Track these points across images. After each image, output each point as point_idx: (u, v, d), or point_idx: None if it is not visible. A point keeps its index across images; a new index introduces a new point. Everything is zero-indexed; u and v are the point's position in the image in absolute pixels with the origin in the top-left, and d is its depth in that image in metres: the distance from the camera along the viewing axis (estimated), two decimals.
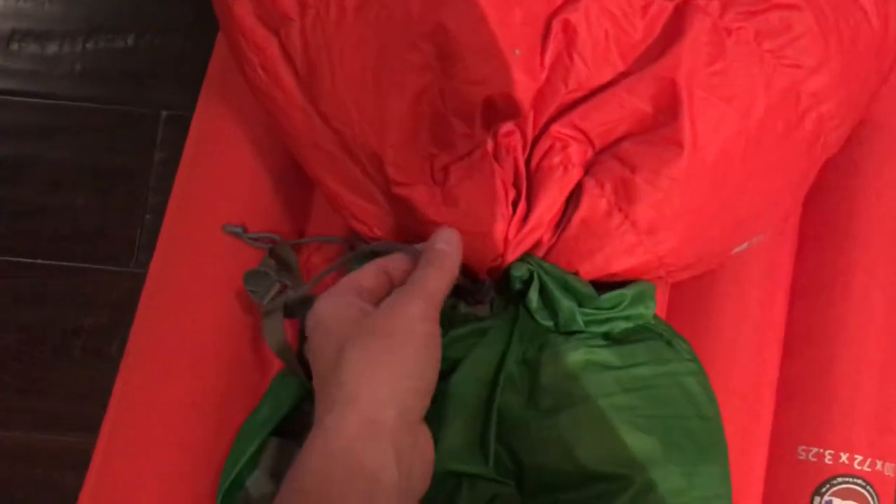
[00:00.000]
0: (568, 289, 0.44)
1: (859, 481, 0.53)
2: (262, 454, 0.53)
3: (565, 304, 0.44)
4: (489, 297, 0.46)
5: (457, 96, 0.44)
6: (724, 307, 0.55)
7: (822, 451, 0.55)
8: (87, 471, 0.52)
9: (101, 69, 0.72)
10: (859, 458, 0.54)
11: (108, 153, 0.71)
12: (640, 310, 0.45)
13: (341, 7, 0.46)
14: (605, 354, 0.44)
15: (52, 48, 0.72)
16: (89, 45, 0.72)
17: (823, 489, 0.54)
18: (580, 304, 0.44)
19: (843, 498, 0.53)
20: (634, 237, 0.44)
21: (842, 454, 0.55)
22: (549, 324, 0.45)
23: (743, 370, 0.55)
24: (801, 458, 0.55)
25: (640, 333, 0.46)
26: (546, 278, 0.44)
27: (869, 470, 0.54)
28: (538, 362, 0.44)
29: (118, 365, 0.58)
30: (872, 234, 0.57)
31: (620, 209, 0.43)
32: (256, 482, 0.52)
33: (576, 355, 0.44)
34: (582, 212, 0.44)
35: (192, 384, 0.56)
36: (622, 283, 0.45)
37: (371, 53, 0.45)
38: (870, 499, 0.53)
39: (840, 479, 0.53)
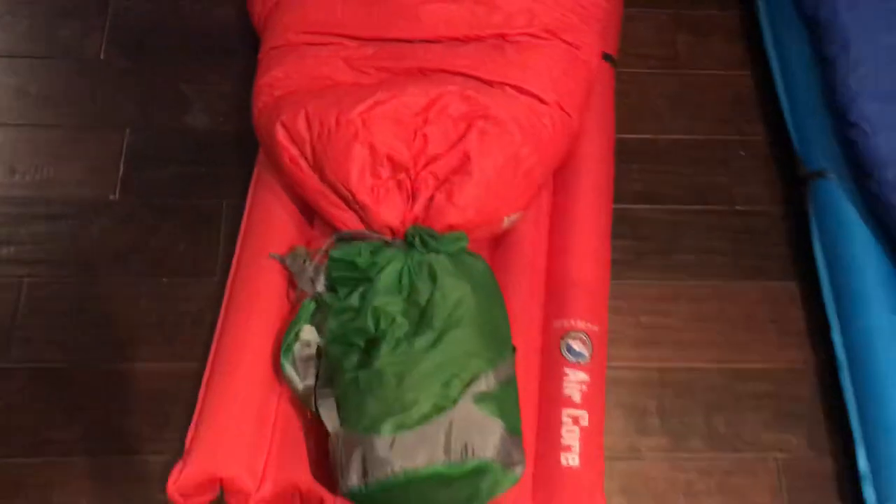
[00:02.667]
0: (431, 236, 1.08)
1: (581, 334, 1.16)
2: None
3: (431, 243, 1.08)
4: (398, 244, 1.10)
5: (380, 162, 1.10)
6: (516, 252, 1.21)
7: (563, 321, 1.19)
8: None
9: (190, 186, 1.37)
10: (581, 322, 1.17)
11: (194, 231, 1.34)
12: (461, 244, 1.10)
13: (329, 130, 1.12)
14: (449, 262, 1.08)
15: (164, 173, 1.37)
16: (183, 171, 1.37)
17: (566, 337, 1.16)
18: (437, 241, 1.09)
19: (574, 340, 1.15)
20: (457, 212, 1.09)
21: (573, 321, 1.18)
22: (424, 251, 1.09)
23: (528, 284, 1.19)
24: (556, 326, 1.18)
25: (465, 255, 1.11)
26: (422, 234, 1.09)
27: (584, 326, 1.17)
28: (433, 269, 1.06)
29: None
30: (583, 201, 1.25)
31: (449, 200, 1.09)
32: (299, 346, 1.12)
33: (439, 262, 1.08)
34: (435, 203, 1.10)
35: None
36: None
37: (344, 150, 1.11)
38: (586, 340, 1.15)
39: (573, 333, 1.16)
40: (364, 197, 1.10)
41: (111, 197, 1.36)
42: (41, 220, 1.34)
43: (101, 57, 1.46)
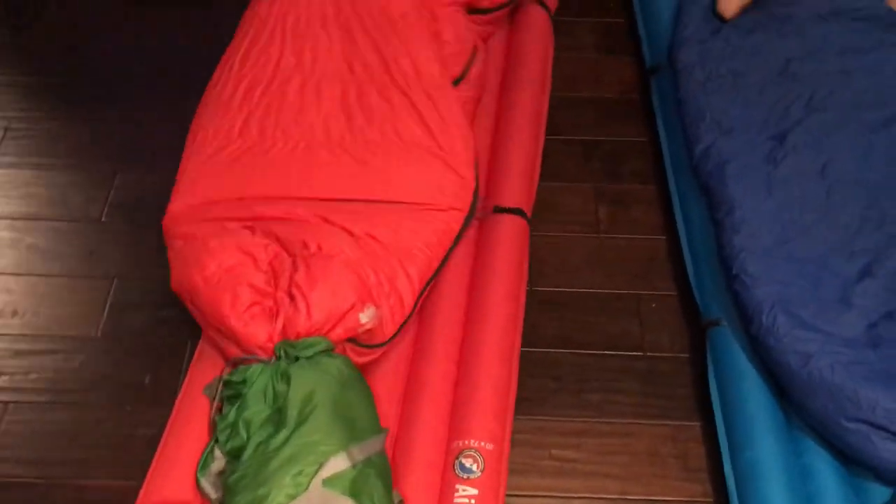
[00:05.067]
0: (291, 346, 1.26)
1: (473, 452, 1.28)
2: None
3: (291, 352, 1.25)
4: (272, 361, 1.27)
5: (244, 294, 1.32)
6: (425, 381, 1.36)
7: (460, 441, 1.31)
8: None
9: (162, 328, 1.57)
10: (474, 441, 1.30)
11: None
12: (318, 347, 1.26)
13: (198, 290, 1.35)
14: (305, 364, 1.24)
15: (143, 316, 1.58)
16: (158, 315, 1.58)
17: (459, 455, 1.29)
18: (294, 349, 1.25)
19: (466, 458, 1.28)
20: (306, 319, 1.27)
21: (468, 440, 1.30)
22: (287, 361, 1.25)
23: (433, 410, 1.33)
24: (453, 446, 1.31)
25: (323, 356, 1.27)
26: (286, 346, 1.26)
27: (478, 445, 1.29)
28: (288, 374, 1.23)
29: None
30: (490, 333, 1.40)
31: (297, 311, 1.27)
32: (215, 463, 1.26)
33: (295, 366, 1.24)
34: (289, 317, 1.28)
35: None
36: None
37: (214, 299, 1.33)
38: (477, 457, 1.27)
39: (466, 451, 1.28)
40: (233, 324, 1.30)
41: (93, 335, 1.57)
42: (32, 354, 1.55)
43: (102, 219, 1.73)
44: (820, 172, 1.52)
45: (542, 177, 1.76)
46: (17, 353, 1.55)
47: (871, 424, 1.24)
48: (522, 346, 1.50)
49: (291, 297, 1.30)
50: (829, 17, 1.76)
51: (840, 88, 1.63)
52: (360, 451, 1.16)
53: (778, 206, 1.49)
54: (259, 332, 1.28)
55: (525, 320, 1.53)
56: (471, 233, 1.57)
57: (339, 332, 1.29)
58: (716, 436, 1.39)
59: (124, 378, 1.52)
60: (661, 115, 1.84)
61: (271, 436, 1.18)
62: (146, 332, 1.57)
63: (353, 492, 1.12)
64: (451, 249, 1.48)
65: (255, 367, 1.26)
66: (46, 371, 1.52)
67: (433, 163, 1.52)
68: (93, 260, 1.67)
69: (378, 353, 1.39)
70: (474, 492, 1.23)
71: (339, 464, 1.13)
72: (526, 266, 1.56)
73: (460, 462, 1.27)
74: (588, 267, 1.66)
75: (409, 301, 1.38)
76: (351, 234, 1.39)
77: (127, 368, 1.53)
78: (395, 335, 1.38)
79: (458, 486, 1.23)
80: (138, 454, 1.40)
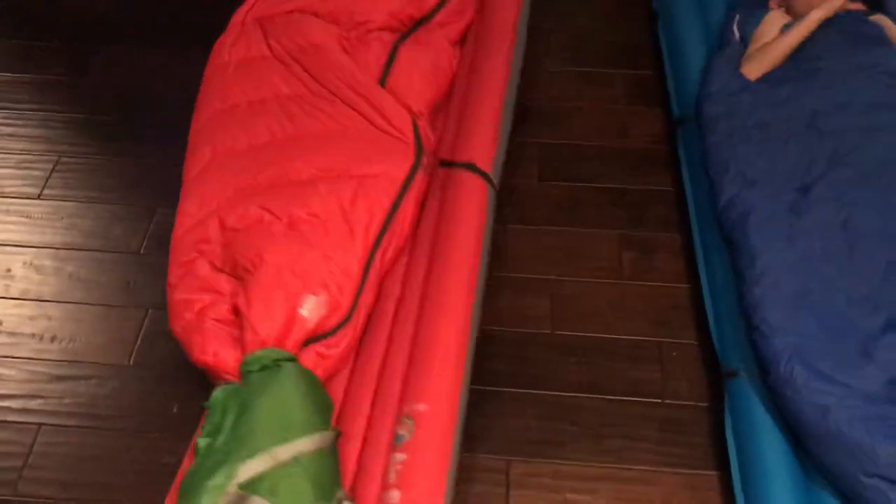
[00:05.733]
0: (245, 364, 1.30)
1: (405, 417, 1.29)
2: None
3: (244, 370, 1.29)
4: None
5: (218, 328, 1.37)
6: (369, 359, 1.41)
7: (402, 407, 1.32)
8: None
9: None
10: (407, 406, 1.30)
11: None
12: (265, 360, 1.29)
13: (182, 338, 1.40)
14: (251, 378, 1.28)
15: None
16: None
17: (396, 423, 1.30)
18: (247, 367, 1.29)
19: (400, 424, 1.28)
20: (252, 334, 1.32)
21: (403, 406, 1.31)
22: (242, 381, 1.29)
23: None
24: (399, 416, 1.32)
25: (276, 365, 1.30)
26: (242, 368, 1.30)
27: (409, 409, 1.30)
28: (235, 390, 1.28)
29: None
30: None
31: (243, 330, 1.33)
32: None
33: (245, 381, 1.28)
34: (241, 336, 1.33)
35: None
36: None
37: (188, 342, 1.38)
38: (407, 422, 1.28)
39: (400, 418, 1.31)
40: (207, 360, 1.35)
41: (126, 363, 1.62)
42: (67, 379, 1.60)
43: (141, 252, 1.80)
44: (843, 225, 1.53)
45: (569, 223, 1.80)
46: (54, 378, 1.60)
47: (889, 481, 1.23)
48: (543, 390, 1.53)
49: (240, 321, 1.36)
50: (856, 72, 1.77)
51: (865, 143, 1.63)
52: (286, 451, 1.19)
53: (800, 257, 1.49)
54: (228, 359, 1.34)
55: (546, 364, 1.56)
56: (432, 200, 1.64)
57: (294, 338, 1.34)
58: (733, 486, 1.39)
59: (153, 406, 1.56)
60: (686, 165, 1.86)
61: (210, 446, 1.23)
62: (176, 363, 1.61)
63: (271, 491, 1.15)
64: (392, 210, 1.52)
65: (218, 391, 1.31)
66: (79, 396, 1.58)
67: (370, 131, 1.63)
68: (130, 290, 1.74)
69: (347, 333, 1.40)
70: (402, 457, 1.24)
71: (257, 466, 1.17)
72: (482, 223, 1.58)
73: (396, 433, 1.29)
74: (611, 313, 1.67)
75: (355, 270, 1.42)
76: (291, 219, 1.45)
77: (156, 397, 1.58)
78: (352, 308, 1.40)
79: (391, 457, 1.26)
80: (161, 481, 1.44)
